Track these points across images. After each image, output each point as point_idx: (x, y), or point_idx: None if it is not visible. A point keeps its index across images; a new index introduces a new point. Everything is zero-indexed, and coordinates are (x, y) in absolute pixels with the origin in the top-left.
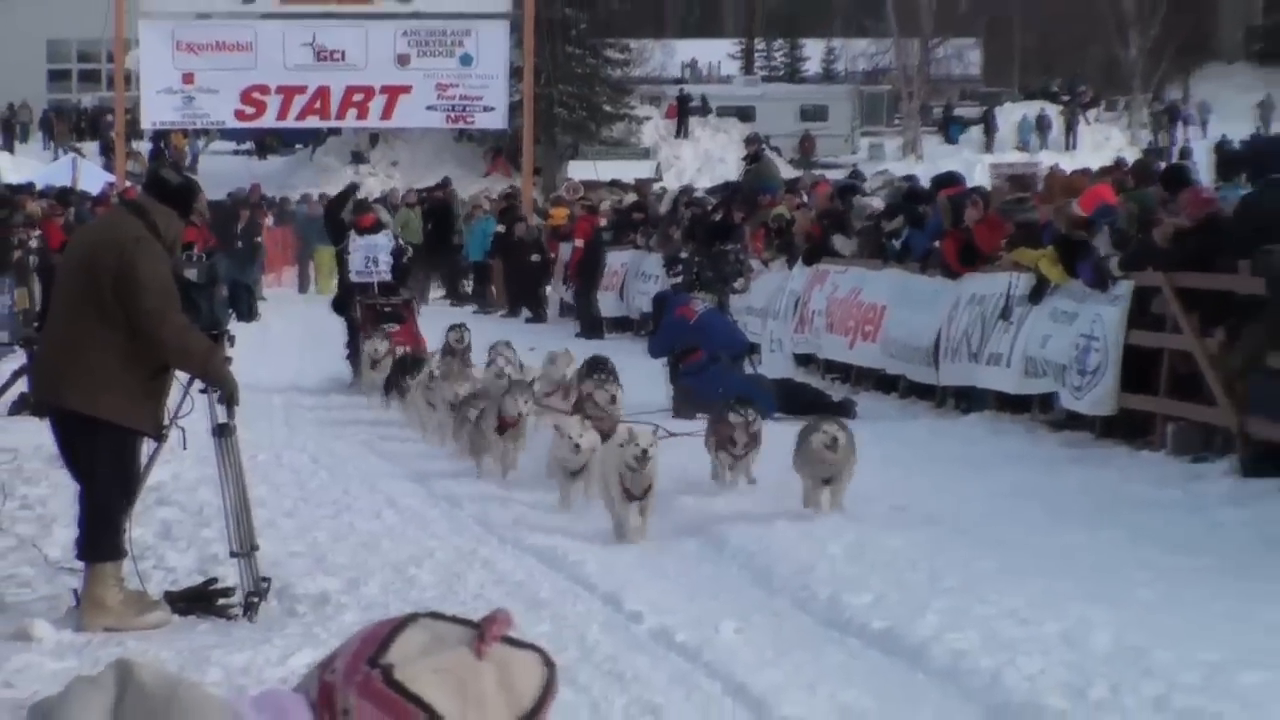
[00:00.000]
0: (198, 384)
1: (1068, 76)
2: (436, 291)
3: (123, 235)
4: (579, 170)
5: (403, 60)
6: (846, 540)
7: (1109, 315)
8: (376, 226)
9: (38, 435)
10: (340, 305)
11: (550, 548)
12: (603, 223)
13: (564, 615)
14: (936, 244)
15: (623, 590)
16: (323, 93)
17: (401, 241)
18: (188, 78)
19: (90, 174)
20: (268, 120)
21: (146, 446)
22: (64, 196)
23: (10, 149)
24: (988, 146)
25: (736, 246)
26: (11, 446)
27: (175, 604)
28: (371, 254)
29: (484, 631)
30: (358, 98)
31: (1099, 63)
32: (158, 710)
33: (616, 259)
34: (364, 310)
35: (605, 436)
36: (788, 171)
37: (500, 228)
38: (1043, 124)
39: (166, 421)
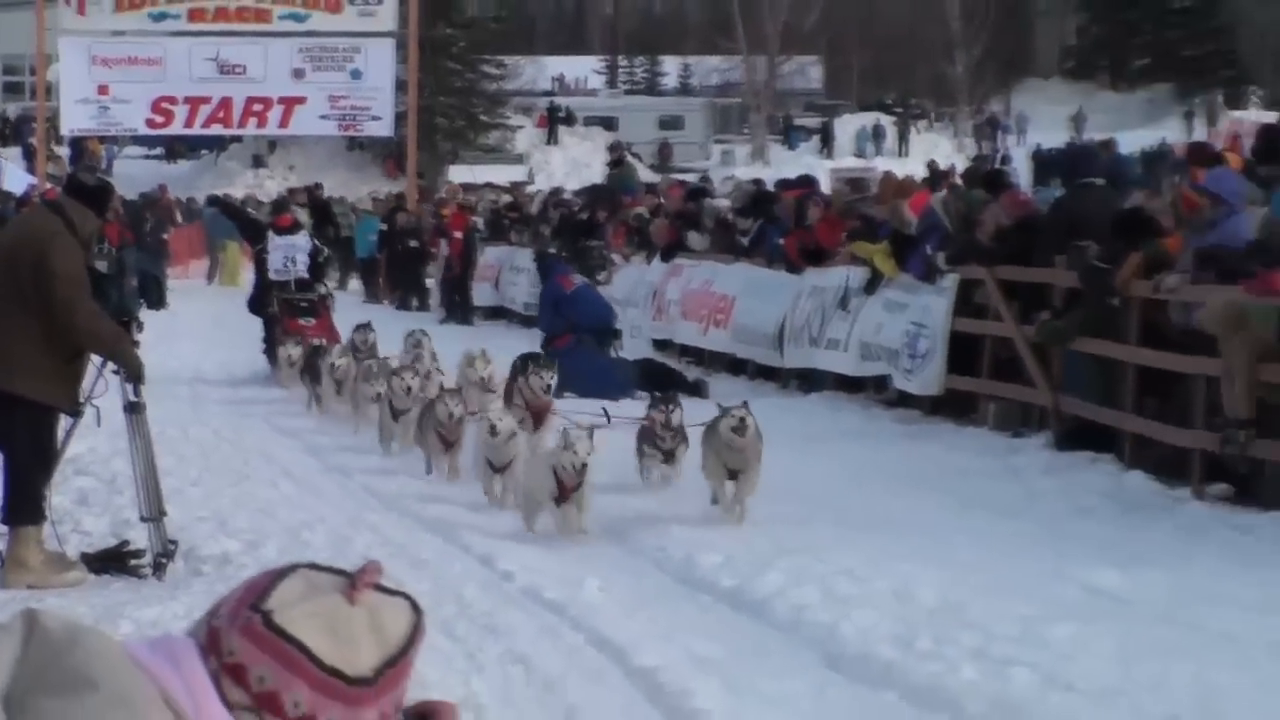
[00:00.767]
0: (110, 366)
1: (900, 91)
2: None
3: (41, 231)
4: (459, 174)
5: (298, 74)
6: (700, 506)
7: (936, 305)
8: (294, 227)
9: None
10: (255, 304)
11: (431, 514)
12: (479, 221)
13: (443, 574)
14: (781, 241)
15: (496, 552)
16: (226, 103)
17: (318, 242)
18: (103, 89)
19: (14, 176)
20: (176, 128)
21: (65, 422)
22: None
23: None
24: (828, 154)
25: (600, 243)
26: None
27: (91, 564)
28: (290, 253)
29: (356, 580)
30: (257, 108)
31: (929, 79)
32: (61, 653)
33: (493, 254)
34: (282, 306)
35: (539, 417)
36: (647, 176)
37: (384, 226)
38: (878, 133)
39: (82, 400)
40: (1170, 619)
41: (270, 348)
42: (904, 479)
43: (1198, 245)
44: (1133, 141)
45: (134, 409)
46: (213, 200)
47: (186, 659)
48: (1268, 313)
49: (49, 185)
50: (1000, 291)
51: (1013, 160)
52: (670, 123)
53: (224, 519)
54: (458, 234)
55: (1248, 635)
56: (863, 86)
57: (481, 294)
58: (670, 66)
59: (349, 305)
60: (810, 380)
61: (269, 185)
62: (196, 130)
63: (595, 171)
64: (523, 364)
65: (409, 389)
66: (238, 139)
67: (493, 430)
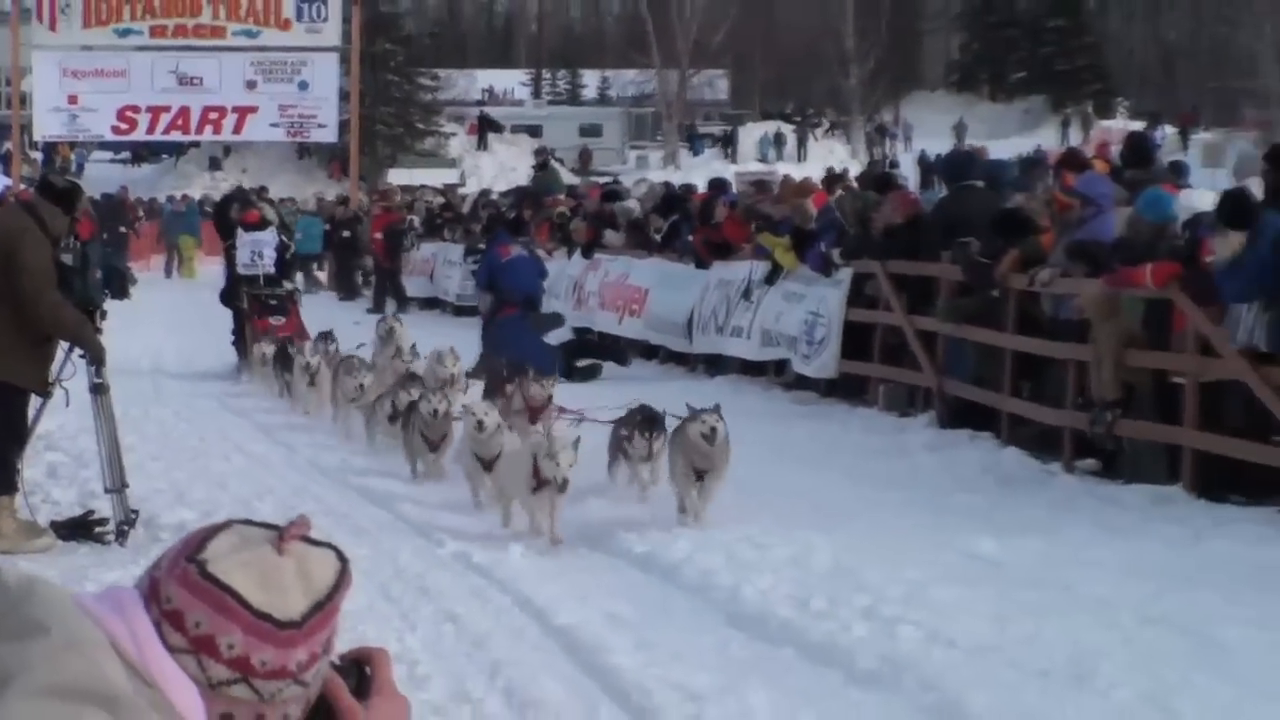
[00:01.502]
0: (77, 351)
1: (799, 101)
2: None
3: (12, 228)
4: (397, 176)
5: (251, 85)
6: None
7: (832, 296)
8: (262, 223)
9: None
10: (227, 297)
11: (370, 486)
12: (416, 220)
13: (381, 541)
14: (690, 236)
15: (430, 520)
16: (184, 112)
17: (285, 238)
18: (73, 99)
19: None
20: (139, 134)
21: (36, 402)
22: None
23: None
24: (732, 158)
25: (526, 239)
26: None
27: (60, 531)
28: (257, 249)
29: (284, 533)
30: (213, 116)
31: (825, 90)
32: (17, 602)
33: (428, 250)
34: (250, 301)
35: (534, 415)
36: (569, 178)
37: (327, 225)
38: (779, 140)
39: (52, 381)
40: (1043, 582)
41: (239, 339)
42: (801, 455)
43: (1068, 242)
44: (1010, 148)
45: (98, 390)
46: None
47: (131, 607)
48: (1135, 303)
49: (23, 186)
50: (890, 284)
51: (900, 165)
52: (590, 130)
53: (181, 491)
54: (377, 234)
55: (1114, 597)
56: (765, 97)
57: (417, 286)
58: (590, 79)
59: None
60: (716, 364)
61: (224, 187)
62: (158, 136)
63: (522, 175)
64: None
65: (436, 412)
66: (195, 144)
67: (479, 426)
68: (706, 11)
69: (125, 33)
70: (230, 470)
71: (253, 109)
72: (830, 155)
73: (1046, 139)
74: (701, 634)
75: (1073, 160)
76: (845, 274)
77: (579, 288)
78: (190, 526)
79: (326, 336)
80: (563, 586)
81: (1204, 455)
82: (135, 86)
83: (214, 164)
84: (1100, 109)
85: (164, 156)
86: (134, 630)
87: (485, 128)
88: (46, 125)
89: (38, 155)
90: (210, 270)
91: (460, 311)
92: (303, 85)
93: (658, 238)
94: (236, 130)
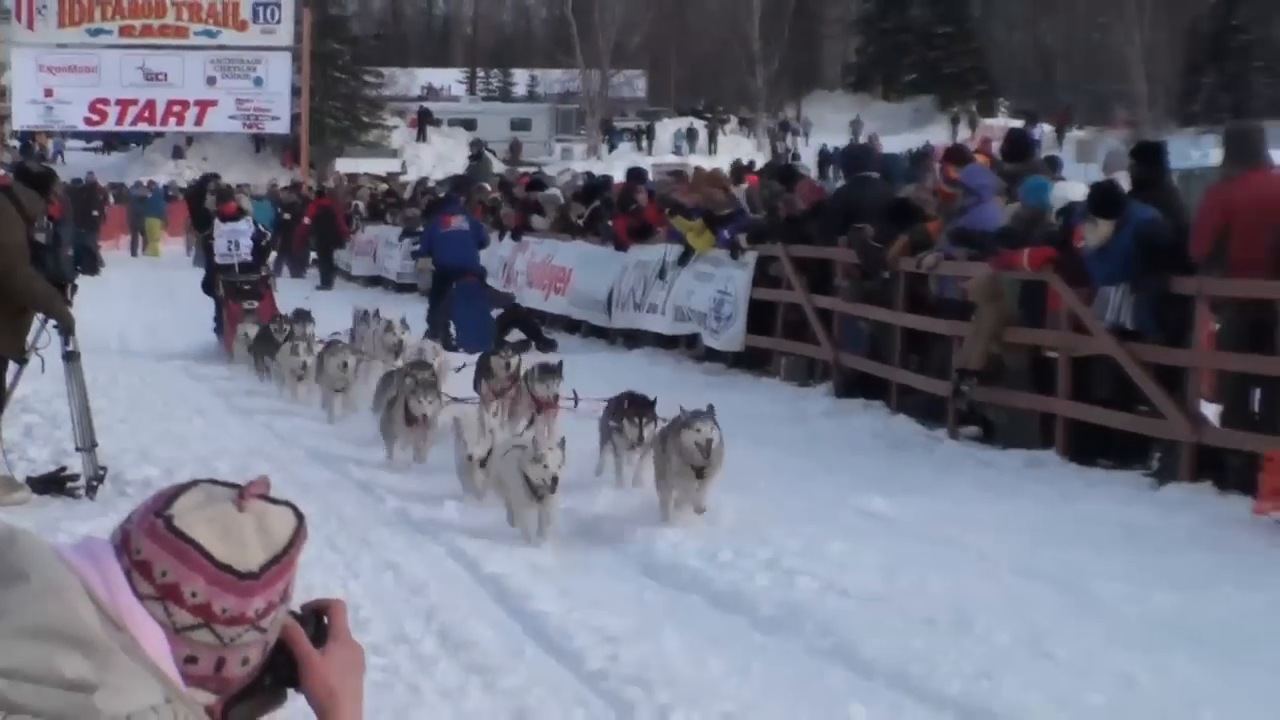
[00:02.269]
0: (51, 321)
1: (710, 99)
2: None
3: None
4: (344, 165)
5: (211, 81)
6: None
7: (739, 277)
8: (238, 214)
9: None
10: (207, 285)
11: (320, 448)
12: (360, 205)
13: (328, 497)
14: (611, 222)
15: (372, 479)
16: (150, 105)
17: (260, 227)
18: (49, 92)
19: None
20: (109, 125)
21: (13, 369)
22: None
23: None
24: (649, 151)
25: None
26: None
27: (35, 486)
28: (234, 238)
29: (245, 491)
30: (177, 109)
31: (734, 89)
32: (10, 547)
33: (371, 232)
34: (226, 289)
35: (499, 394)
36: (500, 168)
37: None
38: (691, 135)
39: (28, 349)
40: (928, 537)
41: (219, 325)
42: None
43: (952, 228)
44: (902, 143)
45: (70, 357)
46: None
47: (104, 556)
48: (1013, 284)
49: (1, 172)
50: (792, 266)
51: (801, 158)
52: (520, 124)
53: (146, 449)
54: (306, 220)
55: (992, 551)
56: (679, 95)
57: (362, 265)
58: (520, 78)
59: None
60: (634, 338)
61: (186, 174)
62: (126, 127)
63: (458, 164)
64: (532, 369)
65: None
66: (160, 135)
67: (468, 458)
68: (625, 16)
69: (97, 32)
70: (191, 432)
71: (213, 103)
72: (738, 149)
73: (935, 135)
74: (618, 583)
75: (956, 154)
76: (751, 257)
77: (508, 268)
78: (154, 483)
79: (304, 317)
80: (492, 539)
81: (1075, 423)
82: (105, 81)
83: (177, 153)
84: (984, 108)
85: (132, 145)
86: (106, 578)
87: (424, 121)
88: (24, 116)
89: (15, 143)
90: (172, 250)
91: (401, 289)
92: (258, 81)
93: (580, 223)
94: (198, 122)
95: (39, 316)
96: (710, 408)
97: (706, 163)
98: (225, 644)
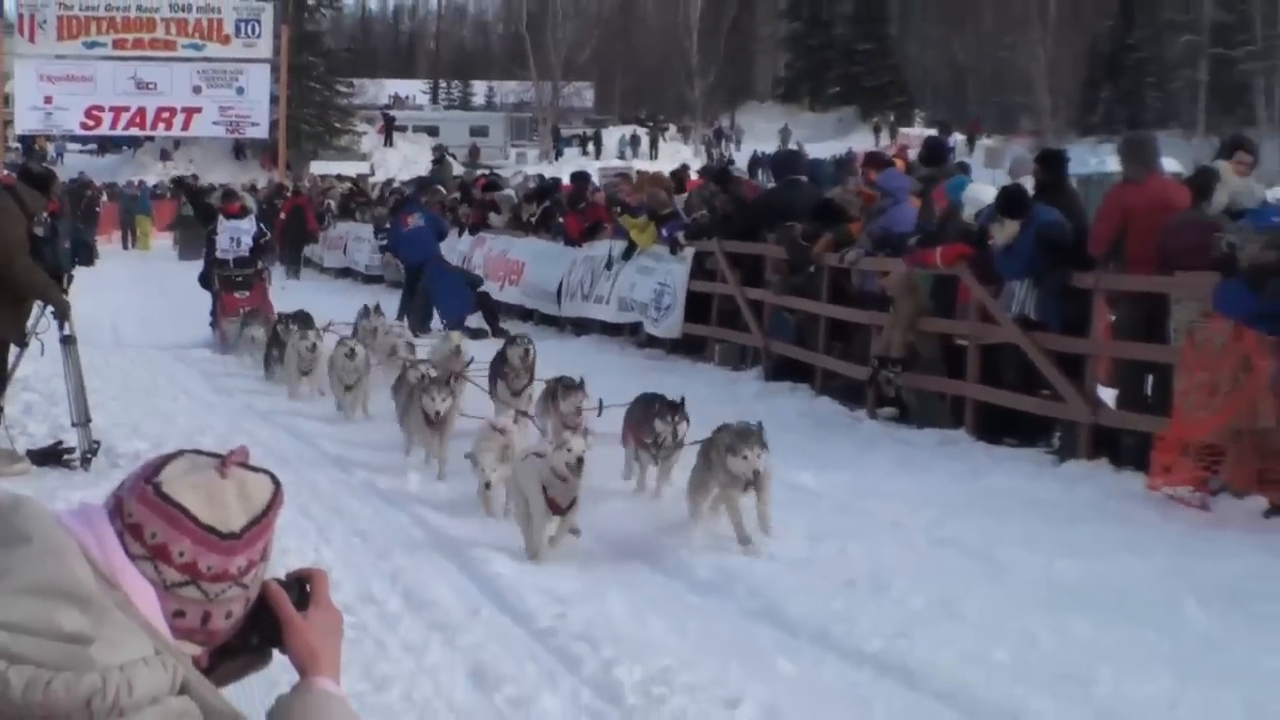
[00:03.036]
0: (50, 308)
1: (652, 109)
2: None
3: None
4: (317, 167)
5: (197, 90)
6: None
7: (678, 270)
8: (242, 212)
9: None
10: (205, 280)
11: (294, 424)
12: (332, 204)
13: (301, 469)
14: (562, 219)
15: (343, 454)
16: (141, 111)
17: (261, 226)
18: (48, 99)
19: None
20: (103, 129)
21: (15, 351)
22: None
23: None
24: (596, 155)
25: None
26: None
27: (34, 458)
28: (236, 235)
29: (226, 460)
30: (165, 115)
31: (674, 100)
32: (6, 515)
33: (342, 228)
34: (222, 282)
35: (517, 393)
36: (460, 171)
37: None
38: (635, 141)
39: (28, 334)
40: (849, 509)
41: (215, 318)
42: None
43: (871, 228)
44: (827, 150)
45: (67, 341)
46: (177, 181)
47: (99, 521)
48: (928, 280)
49: (5, 172)
50: (726, 261)
51: (735, 163)
52: (479, 131)
53: (136, 425)
54: (281, 215)
55: (908, 521)
56: (624, 105)
57: (333, 259)
58: (479, 88)
59: None
60: (581, 326)
61: (173, 173)
62: (119, 131)
63: (422, 167)
64: (555, 385)
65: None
66: (150, 139)
67: (485, 486)
68: (575, 33)
69: (92, 45)
70: (177, 409)
71: (198, 110)
72: (677, 154)
73: (857, 143)
74: (567, 550)
75: (876, 160)
76: (689, 252)
77: (467, 261)
78: (143, 455)
79: (305, 319)
80: (453, 508)
81: (983, 405)
82: (100, 90)
83: (165, 155)
84: (901, 118)
85: (124, 148)
86: (101, 540)
87: (391, 128)
88: (25, 121)
89: (17, 146)
90: (160, 244)
91: (369, 280)
92: (240, 90)
93: (532, 220)
94: (185, 127)
95: (39, 303)
96: (760, 425)
97: (649, 167)
98: (210, 599)
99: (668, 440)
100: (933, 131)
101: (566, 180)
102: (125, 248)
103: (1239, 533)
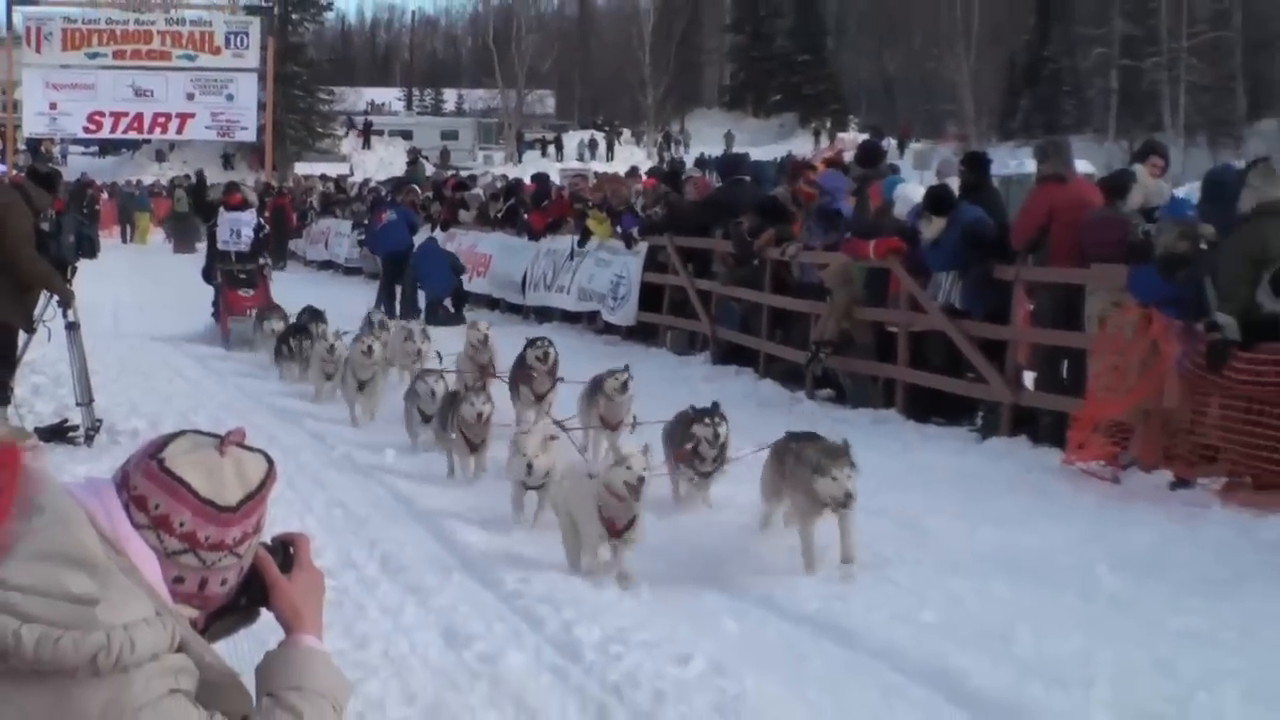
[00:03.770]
0: (56, 297)
1: (609, 115)
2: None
3: (4, 203)
4: (301, 168)
5: (190, 97)
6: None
7: (633, 263)
8: (243, 205)
9: None
10: (207, 274)
11: (281, 405)
12: (315, 201)
13: (287, 445)
14: (526, 216)
15: (325, 431)
16: (139, 116)
17: (261, 219)
18: (53, 105)
19: None
20: (104, 133)
21: (24, 338)
22: None
23: None
24: (559, 158)
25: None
26: None
27: (41, 435)
28: (236, 227)
29: (224, 439)
30: (161, 120)
31: (628, 107)
32: (27, 484)
33: (324, 224)
34: (224, 277)
35: (540, 397)
36: (432, 171)
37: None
38: (593, 145)
39: (36, 321)
40: None
41: (217, 311)
42: None
43: (815, 222)
44: (769, 153)
45: (71, 327)
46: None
47: (106, 493)
48: (862, 272)
49: (15, 172)
50: (677, 255)
51: (685, 165)
52: (449, 135)
53: (135, 405)
54: (265, 214)
55: None
56: (582, 112)
57: (316, 252)
58: (449, 96)
59: None
60: (544, 314)
61: (169, 174)
62: (119, 135)
63: (397, 168)
64: (527, 344)
65: (433, 393)
66: (147, 141)
67: (529, 469)
68: (537, 46)
69: (94, 55)
70: (173, 390)
71: (191, 115)
72: (631, 157)
73: (797, 147)
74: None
75: (802, 168)
76: (643, 247)
77: None
78: (142, 433)
79: (316, 315)
80: (426, 481)
81: (913, 387)
82: (101, 96)
83: (160, 157)
84: (838, 124)
85: (123, 150)
86: (108, 510)
87: (368, 132)
88: (33, 125)
89: (24, 148)
90: (157, 238)
91: (349, 272)
92: (230, 97)
93: (498, 217)
94: (179, 131)
95: (45, 293)
96: (845, 443)
97: (605, 168)
98: (207, 566)
99: (708, 445)
100: (866, 136)
101: (529, 180)
102: (124, 241)
103: (1147, 504)
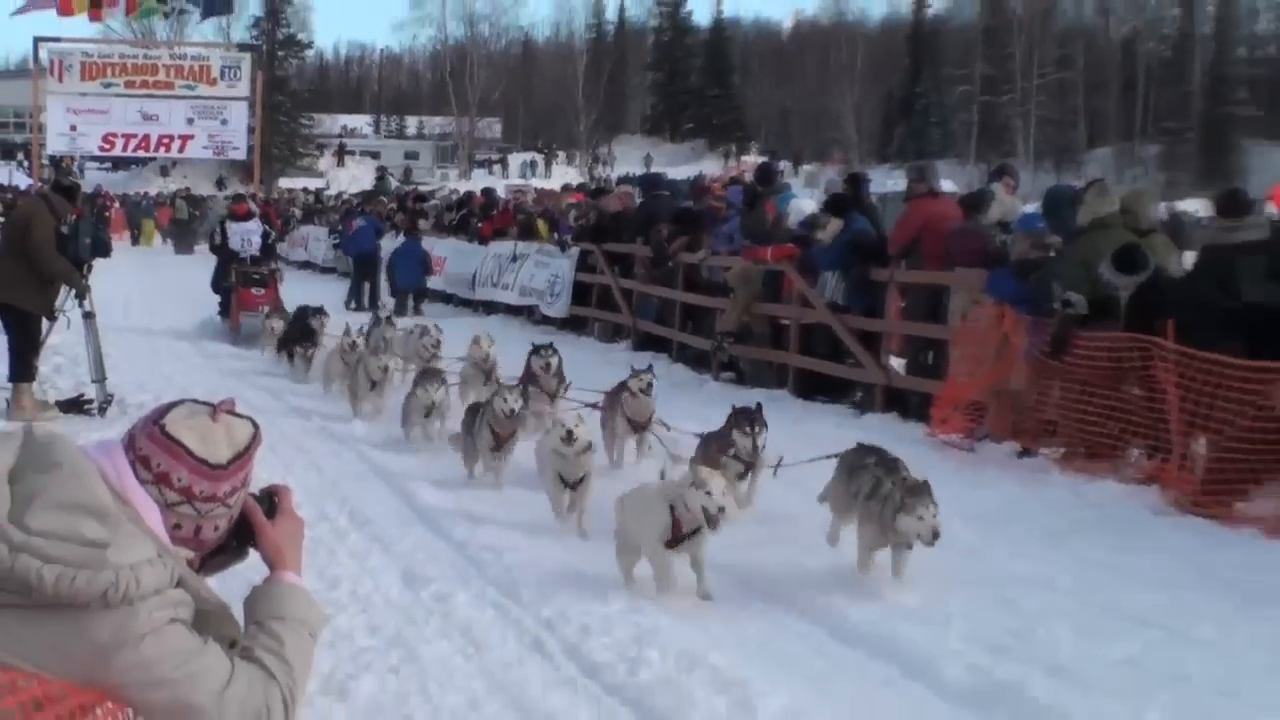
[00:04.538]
0: (74, 290)
1: (547, 139)
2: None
3: (31, 210)
4: (284, 183)
5: (190, 121)
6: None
7: (566, 265)
8: (248, 215)
9: None
10: (215, 283)
11: (267, 383)
12: (297, 210)
13: (271, 417)
14: (476, 224)
15: (303, 404)
16: (146, 137)
17: (267, 227)
18: (73, 127)
19: (21, 179)
20: (116, 151)
21: (46, 325)
22: (6, 191)
23: None
24: (504, 176)
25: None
26: None
27: (61, 407)
28: (245, 236)
29: (216, 408)
30: (165, 140)
31: (564, 132)
32: (44, 447)
33: (304, 229)
34: (239, 277)
35: (551, 398)
36: (396, 186)
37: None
38: (534, 165)
39: (57, 310)
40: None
41: (224, 311)
42: None
43: (721, 231)
44: (682, 173)
45: (88, 316)
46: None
47: (115, 453)
48: (760, 273)
49: (40, 184)
50: (605, 259)
51: (611, 182)
52: (411, 155)
53: (142, 382)
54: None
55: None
56: (525, 136)
57: (296, 254)
58: (411, 122)
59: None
60: (490, 307)
61: (171, 187)
62: (129, 153)
63: (366, 183)
64: (533, 350)
65: (512, 411)
66: (153, 159)
67: (568, 437)
68: (487, 80)
69: (108, 85)
70: (174, 370)
71: (191, 136)
72: (565, 175)
73: (707, 167)
74: (507, 491)
75: (704, 189)
76: (574, 251)
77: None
78: (147, 405)
79: (319, 311)
80: (390, 448)
81: (802, 370)
82: (114, 120)
83: (164, 172)
84: (741, 148)
85: (132, 166)
86: (117, 468)
87: (342, 152)
88: (55, 144)
89: (47, 164)
90: (160, 241)
91: (325, 271)
92: (224, 122)
93: (452, 225)
94: (180, 150)
95: (65, 287)
96: (924, 484)
97: (544, 184)
98: (201, 515)
99: (748, 451)
100: (764, 159)
101: (478, 194)
102: (133, 244)
103: (996, 469)
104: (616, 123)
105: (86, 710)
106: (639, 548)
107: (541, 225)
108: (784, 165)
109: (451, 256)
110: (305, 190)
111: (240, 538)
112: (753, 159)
